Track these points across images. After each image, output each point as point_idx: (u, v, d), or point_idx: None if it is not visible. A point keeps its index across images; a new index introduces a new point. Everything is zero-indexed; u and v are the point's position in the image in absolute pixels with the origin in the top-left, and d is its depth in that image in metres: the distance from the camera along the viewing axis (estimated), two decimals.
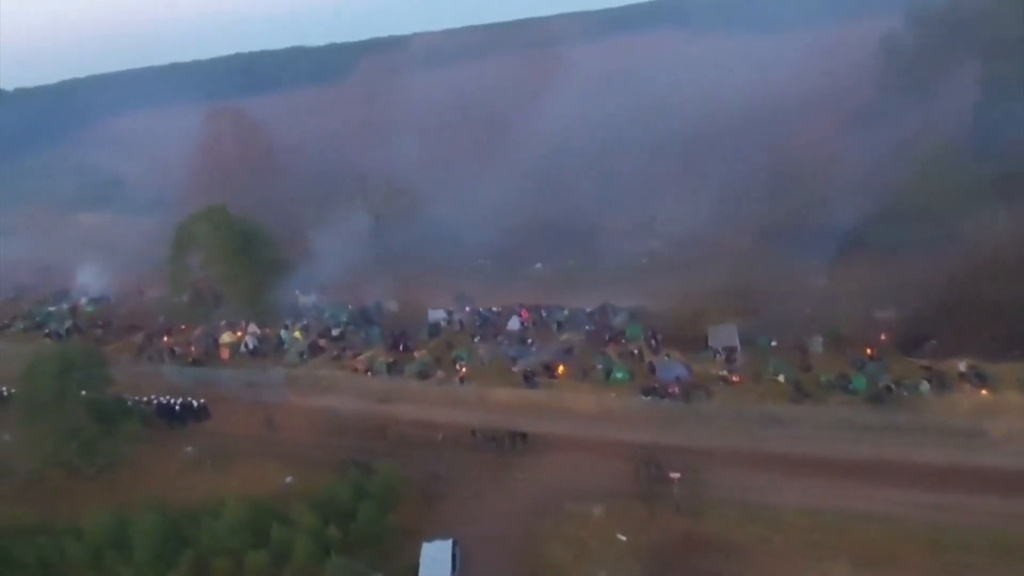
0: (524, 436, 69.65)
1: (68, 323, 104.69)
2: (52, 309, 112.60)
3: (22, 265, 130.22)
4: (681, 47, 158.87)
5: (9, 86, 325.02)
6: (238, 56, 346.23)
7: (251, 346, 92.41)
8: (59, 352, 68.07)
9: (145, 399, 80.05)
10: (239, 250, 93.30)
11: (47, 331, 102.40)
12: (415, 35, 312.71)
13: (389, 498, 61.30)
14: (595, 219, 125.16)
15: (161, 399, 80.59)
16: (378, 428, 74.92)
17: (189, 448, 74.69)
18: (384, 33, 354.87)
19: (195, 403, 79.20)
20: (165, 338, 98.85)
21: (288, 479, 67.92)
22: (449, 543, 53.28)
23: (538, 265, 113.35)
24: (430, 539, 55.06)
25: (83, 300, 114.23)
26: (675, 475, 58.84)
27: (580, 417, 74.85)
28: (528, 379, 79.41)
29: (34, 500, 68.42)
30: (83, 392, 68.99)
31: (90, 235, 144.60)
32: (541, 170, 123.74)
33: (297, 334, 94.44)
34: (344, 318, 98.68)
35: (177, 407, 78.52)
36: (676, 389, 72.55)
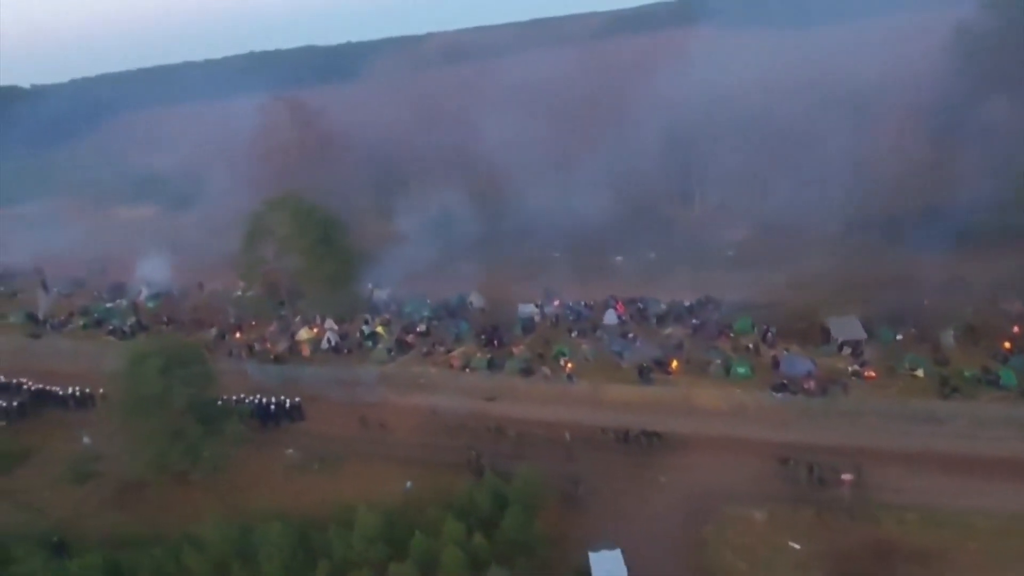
0: (658, 435, 64.19)
1: (131, 319, 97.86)
2: (110, 305, 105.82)
3: (70, 260, 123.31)
4: (745, 40, 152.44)
5: (25, 83, 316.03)
6: (252, 55, 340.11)
7: (333, 342, 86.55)
8: (162, 347, 61.59)
9: (235, 398, 75.55)
10: (319, 240, 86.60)
11: (110, 328, 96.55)
12: (463, 30, 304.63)
13: (532, 504, 54.60)
14: (673, 211, 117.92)
15: (254, 398, 75.92)
16: (493, 428, 70.66)
17: (290, 450, 70.50)
18: (397, 33, 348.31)
19: (289, 402, 72.17)
20: (237, 334, 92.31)
21: (408, 484, 62.91)
22: (618, 552, 47.12)
23: (619, 258, 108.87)
24: (595, 548, 50.68)
25: (142, 295, 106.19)
26: (847, 477, 54.36)
27: (710, 415, 70.60)
28: (642, 375, 73.69)
29: (133, 507, 64.30)
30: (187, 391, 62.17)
31: (134, 229, 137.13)
32: (615, 162, 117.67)
33: (380, 329, 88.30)
34: (427, 313, 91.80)
35: (272, 407, 71.56)
36: (812, 384, 65.84)
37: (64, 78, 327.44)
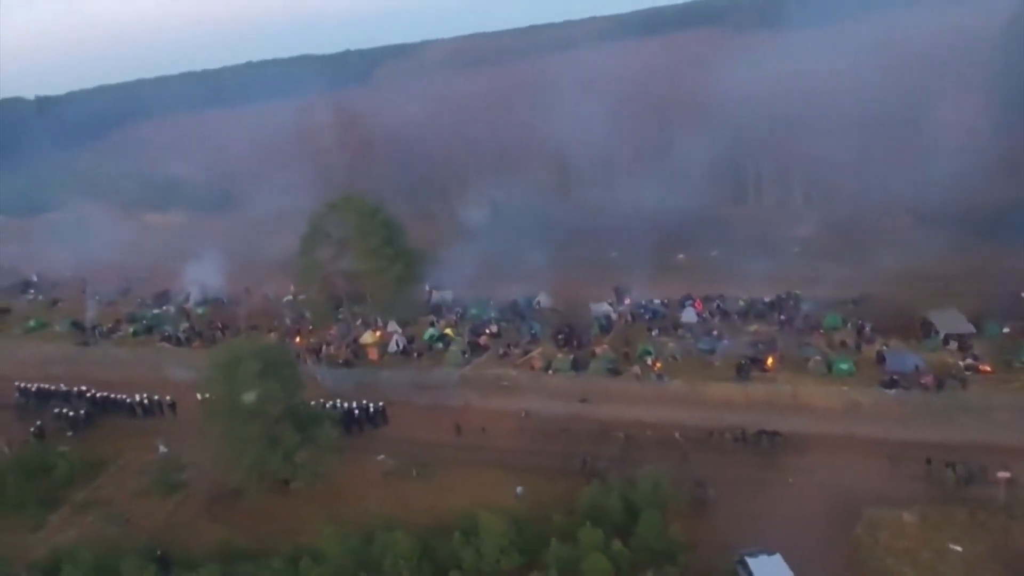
0: (778, 435, 60.61)
1: (184, 326, 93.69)
2: (156, 311, 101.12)
3: (107, 267, 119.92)
4: (796, 39, 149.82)
5: (29, 95, 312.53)
6: (252, 64, 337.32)
7: (401, 345, 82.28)
8: (259, 351, 57.58)
9: (311, 404, 70.55)
10: (383, 242, 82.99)
11: (164, 334, 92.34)
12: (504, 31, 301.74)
13: (664, 508, 51.82)
14: (729, 210, 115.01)
15: (334, 403, 72.89)
16: (599, 431, 67.44)
17: (381, 457, 66.80)
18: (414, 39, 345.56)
19: (372, 407, 68.19)
20: (297, 339, 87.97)
21: (518, 490, 59.33)
22: (779, 557, 43.41)
23: (680, 256, 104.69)
24: (751, 554, 47.58)
25: (190, 301, 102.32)
26: (1004, 475, 50.33)
27: (821, 413, 67.82)
28: (740, 372, 71.07)
29: (228, 518, 61.22)
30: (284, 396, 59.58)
31: (168, 235, 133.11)
32: (669, 161, 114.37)
33: (449, 331, 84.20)
34: (493, 314, 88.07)
35: (356, 412, 67.70)
36: (929, 380, 62.35)
37: (62, 90, 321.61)
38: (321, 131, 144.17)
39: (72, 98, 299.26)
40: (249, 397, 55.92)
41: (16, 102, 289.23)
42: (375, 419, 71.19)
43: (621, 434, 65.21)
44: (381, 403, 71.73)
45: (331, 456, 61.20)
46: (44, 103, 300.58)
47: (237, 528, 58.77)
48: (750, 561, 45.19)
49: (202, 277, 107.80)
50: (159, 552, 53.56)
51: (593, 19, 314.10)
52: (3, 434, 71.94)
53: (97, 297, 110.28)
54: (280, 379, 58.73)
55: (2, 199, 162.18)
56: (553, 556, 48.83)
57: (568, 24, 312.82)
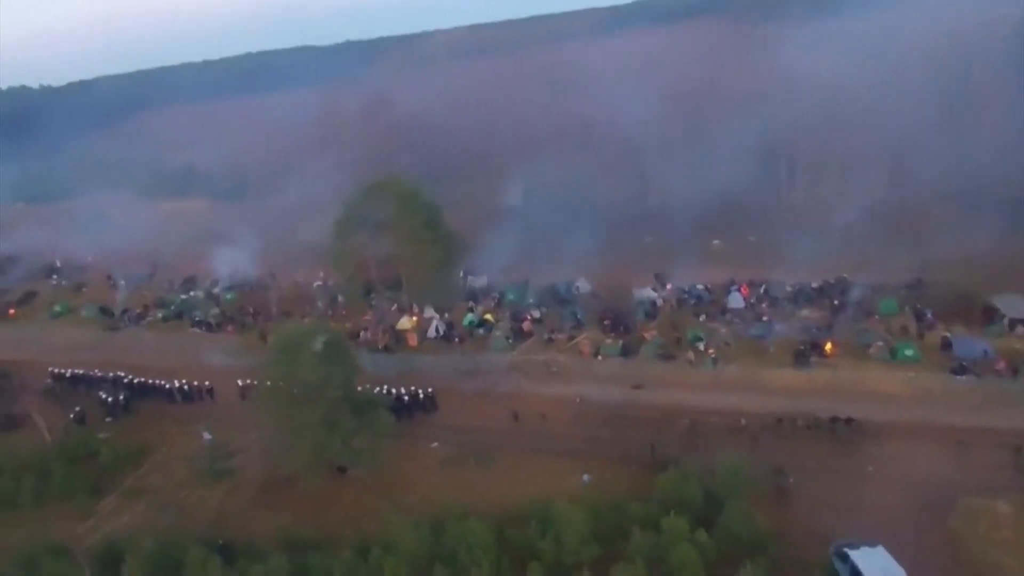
0: (851, 421, 59.54)
1: (214, 311, 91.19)
2: (184, 297, 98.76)
3: (129, 253, 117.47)
4: (830, 27, 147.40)
5: (33, 83, 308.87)
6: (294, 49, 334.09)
7: (441, 331, 79.67)
8: (320, 332, 55.19)
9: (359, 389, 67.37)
10: (423, 225, 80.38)
11: (196, 319, 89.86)
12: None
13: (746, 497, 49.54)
14: (763, 197, 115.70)
15: (381, 389, 70.78)
16: (660, 418, 65.86)
17: (435, 444, 64.50)
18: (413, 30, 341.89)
19: (422, 393, 65.57)
20: (333, 325, 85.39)
21: (585, 478, 57.24)
22: (882, 548, 41.09)
23: (716, 242, 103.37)
24: (852, 545, 45.54)
25: (218, 287, 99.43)
26: None
27: (891, 399, 65.46)
28: (799, 358, 69.29)
29: (284, 506, 59.41)
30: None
31: (188, 221, 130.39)
32: (702, 149, 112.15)
33: (489, 316, 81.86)
34: (532, 300, 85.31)
35: (407, 398, 65.45)
36: (1002, 366, 60.30)
37: (63, 81, 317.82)
38: (337, 119, 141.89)
39: (74, 88, 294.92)
40: (308, 379, 52.16)
41: (22, 91, 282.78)
42: (424, 405, 68.78)
43: (686, 420, 62.61)
44: (430, 389, 68.95)
45: (389, 442, 57.28)
46: (49, 92, 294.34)
47: (294, 517, 56.77)
48: (851, 553, 43.06)
49: (229, 263, 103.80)
50: (221, 542, 49.83)
51: (594, 9, 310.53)
52: (40, 420, 67.05)
53: (122, 282, 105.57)
54: (338, 363, 55.32)
55: (18, 186, 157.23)
56: (636, 547, 46.67)
57: (568, 15, 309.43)
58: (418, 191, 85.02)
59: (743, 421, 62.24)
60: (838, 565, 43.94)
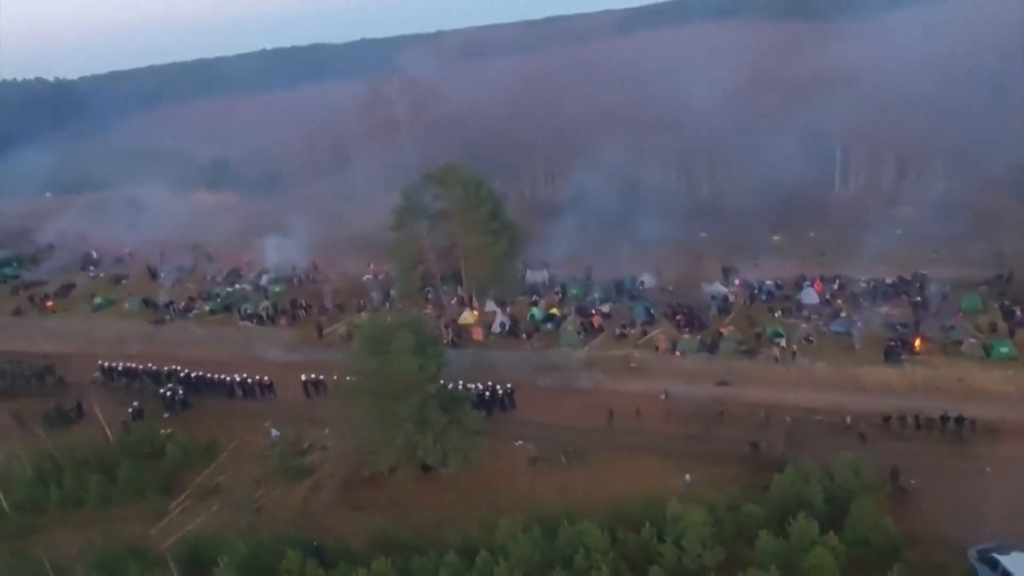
0: (962, 420, 57.36)
1: (264, 304, 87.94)
2: (230, 290, 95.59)
3: (167, 245, 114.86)
4: (871, 25, 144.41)
5: (49, 76, 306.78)
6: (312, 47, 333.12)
7: (507, 326, 76.31)
8: (411, 324, 51.77)
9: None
10: (489, 216, 77.02)
11: (247, 313, 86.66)
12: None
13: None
14: (817, 192, 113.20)
15: (455, 385, 67.02)
16: (757, 415, 63.33)
17: (519, 442, 61.52)
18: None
19: (500, 389, 62.18)
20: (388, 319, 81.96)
21: (687, 476, 54.74)
22: None
23: (776, 237, 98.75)
24: (1000, 549, 42.82)
25: (264, 280, 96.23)
26: None
27: (995, 398, 62.72)
28: (890, 355, 66.84)
29: (372, 506, 57.13)
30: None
31: (223, 214, 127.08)
32: (755, 144, 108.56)
33: (555, 311, 78.37)
34: (597, 294, 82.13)
35: (487, 394, 62.71)
36: None
37: (75, 75, 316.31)
38: (371, 113, 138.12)
39: (86, 83, 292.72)
40: (403, 373, 49.11)
41: (37, 83, 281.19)
42: (502, 402, 65.41)
43: (787, 418, 59.13)
44: (509, 385, 65.38)
45: (479, 440, 54.03)
46: (61, 86, 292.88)
47: (382, 517, 54.16)
48: (1002, 559, 39.43)
49: (277, 255, 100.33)
50: (315, 543, 46.42)
51: (609, 11, 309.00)
52: (101, 415, 64.43)
53: (165, 275, 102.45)
54: (428, 356, 52.06)
55: (45, 177, 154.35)
56: (763, 551, 43.59)
57: (582, 16, 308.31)
58: (482, 180, 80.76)
59: (848, 419, 58.41)
60: (983, 571, 40.24)
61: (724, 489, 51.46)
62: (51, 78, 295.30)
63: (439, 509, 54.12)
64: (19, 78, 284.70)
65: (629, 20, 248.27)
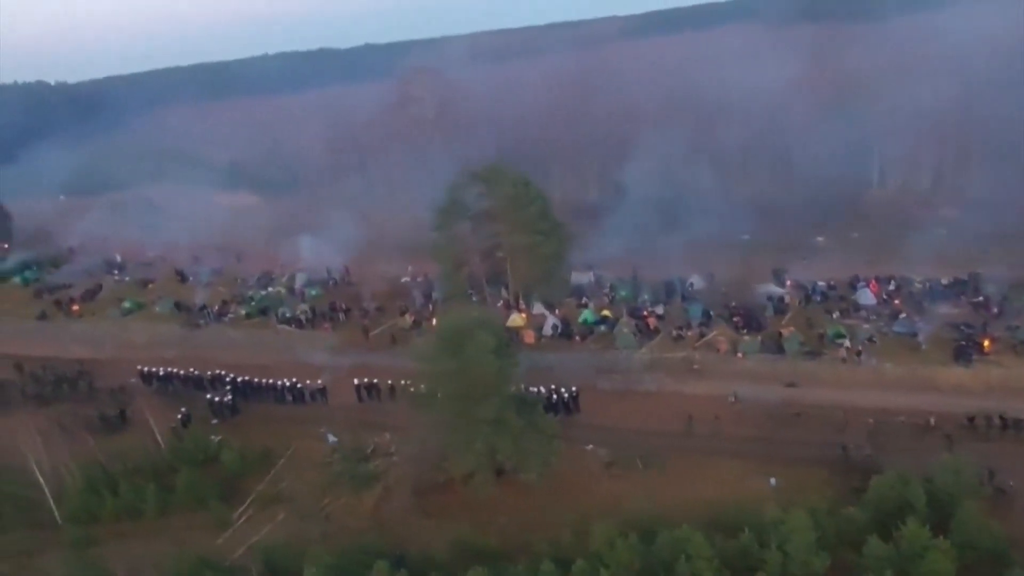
0: None
1: (303, 307, 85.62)
2: (263, 293, 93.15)
3: (193, 248, 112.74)
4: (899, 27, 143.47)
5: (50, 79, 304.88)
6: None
7: (560, 328, 74.30)
8: (486, 323, 49.46)
9: None
10: (539, 216, 74.82)
11: (286, 316, 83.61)
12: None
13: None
14: (856, 192, 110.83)
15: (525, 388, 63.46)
16: (834, 417, 61.62)
17: (590, 446, 59.50)
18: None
19: (566, 393, 59.97)
20: (434, 321, 79.96)
21: (772, 480, 53.36)
22: None
23: (820, 238, 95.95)
24: None
25: (298, 282, 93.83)
26: None
27: None
28: (960, 356, 66.31)
29: (448, 513, 54.82)
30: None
31: (243, 216, 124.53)
32: (791, 146, 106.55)
33: (607, 313, 76.26)
34: (646, 295, 80.00)
35: (552, 397, 61.05)
36: None
37: (73, 79, 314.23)
38: (388, 116, 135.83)
39: (84, 87, 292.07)
40: (483, 374, 48.89)
41: (38, 86, 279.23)
42: (568, 405, 62.88)
43: (870, 419, 57.37)
44: (574, 388, 62.78)
45: (557, 443, 51.82)
46: (62, 89, 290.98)
47: (459, 524, 51.97)
48: None
49: (310, 257, 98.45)
50: (400, 554, 44.24)
51: (614, 18, 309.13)
52: (153, 421, 63.40)
53: (198, 278, 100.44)
54: (504, 356, 49.82)
55: (57, 180, 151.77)
56: (873, 556, 42.19)
57: (587, 22, 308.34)
58: (529, 179, 78.37)
59: (932, 420, 55.71)
60: None
61: (819, 493, 50.27)
62: (52, 81, 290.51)
63: (518, 515, 52.35)
64: (20, 81, 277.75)
65: (659, 23, 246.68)
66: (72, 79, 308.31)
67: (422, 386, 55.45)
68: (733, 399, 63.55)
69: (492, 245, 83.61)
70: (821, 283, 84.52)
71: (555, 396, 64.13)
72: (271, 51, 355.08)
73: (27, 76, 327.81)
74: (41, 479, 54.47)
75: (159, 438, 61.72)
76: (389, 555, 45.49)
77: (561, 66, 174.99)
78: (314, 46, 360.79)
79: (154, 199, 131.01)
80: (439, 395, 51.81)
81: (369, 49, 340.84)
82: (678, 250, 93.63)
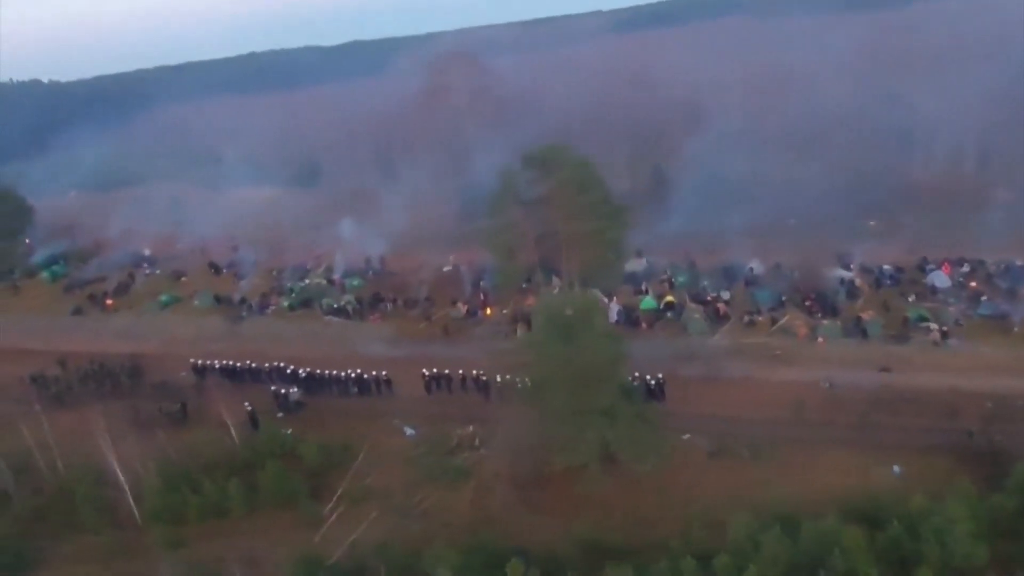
0: None
1: (347, 298, 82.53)
2: (301, 284, 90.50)
3: (221, 241, 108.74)
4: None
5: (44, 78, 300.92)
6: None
7: (624, 315, 72.50)
8: (592, 306, 46.49)
9: None
10: (602, 200, 71.52)
11: (334, 307, 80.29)
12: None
13: None
14: (899, 175, 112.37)
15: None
16: (937, 401, 58.63)
17: (687, 436, 56.87)
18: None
19: (654, 381, 56.98)
20: (487, 310, 76.74)
21: (895, 469, 51.15)
22: None
23: (872, 222, 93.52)
24: None
25: (336, 274, 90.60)
26: None
27: None
28: None
29: (555, 509, 51.79)
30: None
31: (268, 209, 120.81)
32: (833, 131, 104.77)
33: (670, 299, 73.54)
34: (705, 281, 77.22)
35: (652, 384, 61.60)
36: None
37: (63, 77, 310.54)
38: (418, 105, 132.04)
39: (79, 86, 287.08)
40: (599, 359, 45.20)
41: (34, 84, 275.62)
42: (655, 393, 59.39)
43: (988, 404, 55.37)
44: (660, 376, 59.49)
45: (666, 434, 48.76)
46: (57, 87, 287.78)
47: (575, 521, 49.32)
48: None
49: (349, 248, 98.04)
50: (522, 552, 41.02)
51: (598, 12, 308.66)
52: (228, 416, 61.07)
53: (236, 269, 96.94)
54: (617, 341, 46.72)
55: (66, 175, 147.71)
56: None
57: (569, 17, 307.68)
58: (589, 162, 74.88)
59: None
60: None
61: (948, 482, 47.24)
62: (45, 79, 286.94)
63: (630, 510, 49.41)
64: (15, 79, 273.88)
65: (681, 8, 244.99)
66: (63, 78, 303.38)
67: (533, 373, 50.68)
68: (827, 385, 59.67)
69: (546, 231, 79.05)
70: (886, 266, 79.93)
71: (641, 384, 59.07)
72: (258, 49, 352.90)
73: (20, 75, 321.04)
74: (122, 477, 49.78)
75: (233, 433, 56.94)
76: (512, 553, 41.41)
77: (587, 55, 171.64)
78: (299, 44, 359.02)
79: (177, 193, 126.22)
80: (546, 384, 47.34)
81: (356, 46, 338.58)
82: (726, 236, 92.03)
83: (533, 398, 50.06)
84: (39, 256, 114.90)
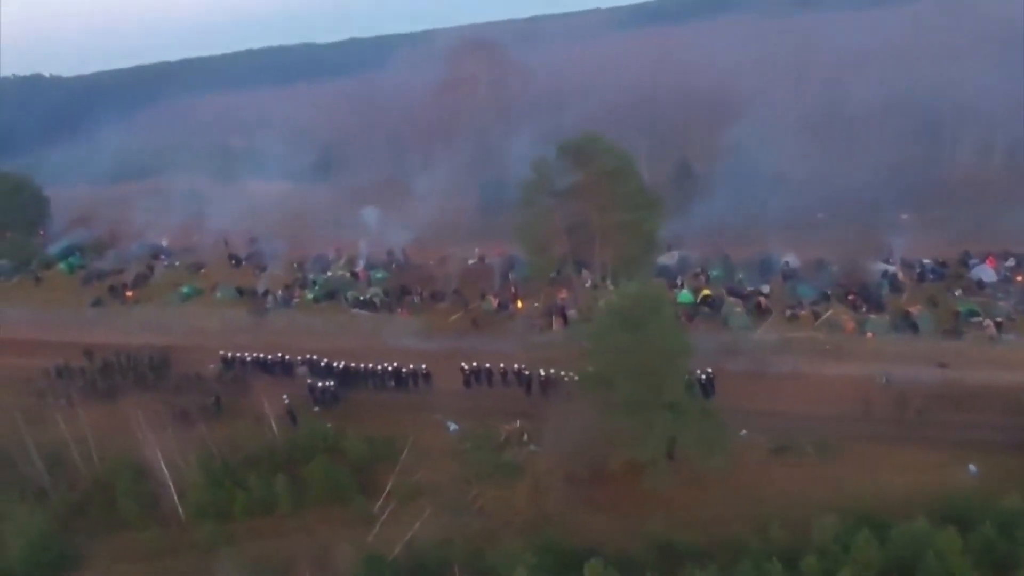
0: None
1: (373, 290, 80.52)
2: (324, 277, 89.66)
3: (238, 233, 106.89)
4: None
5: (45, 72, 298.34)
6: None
7: None
8: (658, 295, 44.39)
9: None
10: (637, 191, 69.56)
11: (360, 300, 78.61)
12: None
13: None
14: (925, 170, 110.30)
15: None
16: (1008, 397, 56.12)
17: (743, 432, 55.20)
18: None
19: (702, 375, 55.28)
20: (518, 303, 74.70)
21: (972, 468, 49.57)
22: None
23: (904, 216, 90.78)
24: None
25: (359, 266, 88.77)
26: None
27: None
28: None
29: (620, 507, 50.07)
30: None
31: (281, 202, 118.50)
32: (865, 126, 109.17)
33: (707, 292, 71.95)
34: (740, 275, 75.80)
35: (704, 379, 60.75)
36: None
37: (65, 72, 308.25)
38: (436, 97, 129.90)
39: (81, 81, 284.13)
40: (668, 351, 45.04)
41: (35, 79, 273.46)
42: (705, 388, 57.79)
43: None
44: (710, 370, 57.75)
45: (730, 430, 46.84)
46: (59, 82, 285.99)
47: (637, 519, 47.75)
48: None
49: (372, 240, 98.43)
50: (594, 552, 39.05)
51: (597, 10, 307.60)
52: (269, 409, 59.05)
53: (258, 261, 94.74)
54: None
55: (75, 169, 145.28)
56: None
57: (571, 15, 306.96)
58: (626, 151, 72.83)
59: None
60: None
61: (1012, 481, 45.74)
62: (47, 74, 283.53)
63: (696, 508, 47.19)
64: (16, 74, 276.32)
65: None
66: (65, 73, 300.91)
67: (597, 365, 48.47)
68: (884, 380, 57.65)
69: (578, 223, 76.88)
70: (927, 260, 78.07)
71: (690, 379, 57.04)
72: (255, 46, 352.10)
73: (21, 69, 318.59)
74: (167, 472, 47.46)
75: (274, 427, 54.65)
76: (585, 553, 39.37)
77: (599, 50, 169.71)
78: (296, 41, 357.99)
79: (191, 186, 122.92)
80: (610, 376, 45.18)
81: (355, 43, 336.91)
82: (757, 229, 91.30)
83: (594, 391, 47.37)
84: (55, 247, 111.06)
